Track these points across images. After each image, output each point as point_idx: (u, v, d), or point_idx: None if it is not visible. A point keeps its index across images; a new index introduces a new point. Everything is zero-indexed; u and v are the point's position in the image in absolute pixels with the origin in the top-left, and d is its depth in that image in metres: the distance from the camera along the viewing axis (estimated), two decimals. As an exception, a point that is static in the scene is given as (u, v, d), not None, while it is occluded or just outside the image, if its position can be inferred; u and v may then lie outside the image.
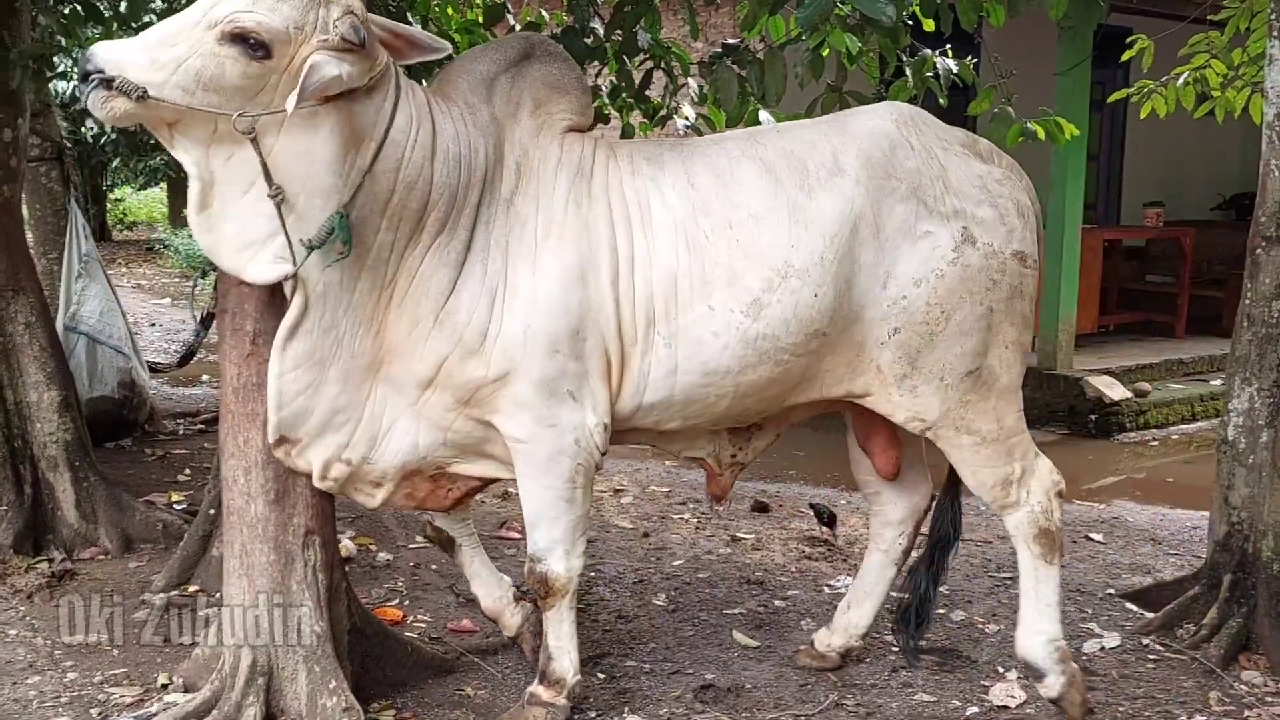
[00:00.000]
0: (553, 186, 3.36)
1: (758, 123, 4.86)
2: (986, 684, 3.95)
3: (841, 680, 3.97)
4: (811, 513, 5.57)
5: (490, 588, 3.98)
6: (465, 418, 3.37)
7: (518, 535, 5.45)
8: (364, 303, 3.24)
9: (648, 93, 5.52)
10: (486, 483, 3.69)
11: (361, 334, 3.27)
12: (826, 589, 4.89)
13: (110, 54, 2.89)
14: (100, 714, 3.55)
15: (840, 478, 6.97)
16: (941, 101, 4.90)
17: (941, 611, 4.61)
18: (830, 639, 4.08)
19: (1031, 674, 3.68)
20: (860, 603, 4.07)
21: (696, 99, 5.75)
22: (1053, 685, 3.62)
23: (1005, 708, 3.79)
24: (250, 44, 2.91)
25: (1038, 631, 3.64)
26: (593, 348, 3.34)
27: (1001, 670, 4.06)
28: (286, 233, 3.01)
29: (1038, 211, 3.69)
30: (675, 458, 3.96)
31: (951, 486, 3.90)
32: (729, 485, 3.88)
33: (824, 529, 5.50)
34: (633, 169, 3.46)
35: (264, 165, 2.97)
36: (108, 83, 2.86)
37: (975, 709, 3.78)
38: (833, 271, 3.37)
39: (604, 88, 5.64)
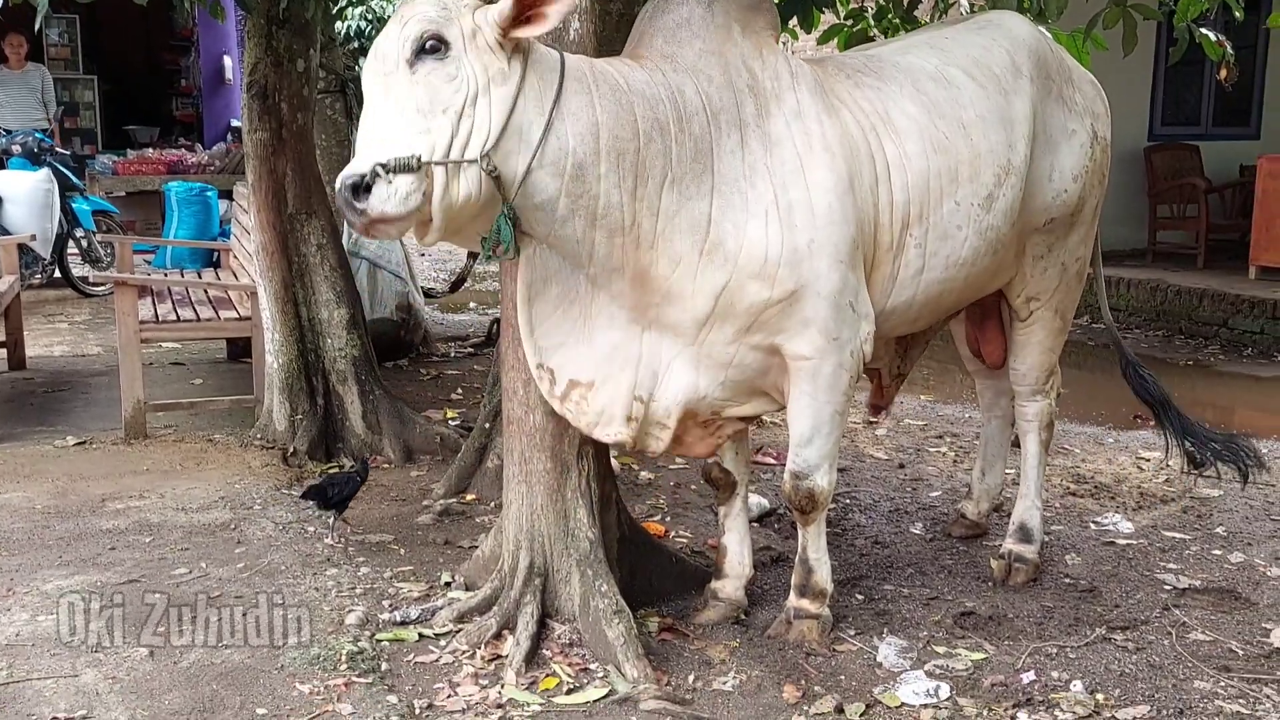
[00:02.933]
0: (797, 102, 3.33)
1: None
2: (1267, 626, 3.76)
3: (1112, 614, 3.86)
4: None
5: (739, 550, 3.84)
6: (748, 347, 3.33)
7: (772, 461, 5.51)
8: (606, 251, 3.19)
9: (916, 13, 5.38)
10: (747, 424, 3.68)
11: (614, 278, 3.24)
12: (1092, 525, 4.74)
13: None
14: (390, 605, 3.82)
15: (1105, 415, 6.72)
16: (1238, 15, 4.58)
17: (1218, 553, 4.41)
18: (979, 506, 4.61)
19: (1024, 537, 4.20)
20: (992, 466, 4.59)
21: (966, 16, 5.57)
22: (1034, 550, 4.18)
23: (1289, 652, 3.61)
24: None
25: (1036, 506, 4.24)
26: (861, 257, 3.38)
27: (1286, 615, 3.86)
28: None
29: None
30: None
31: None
32: (894, 396, 4.40)
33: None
34: (853, 81, 3.54)
35: None
36: None
37: (1254, 651, 3.61)
38: (1028, 166, 3.71)
39: (870, 9, 5.54)
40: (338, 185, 2.90)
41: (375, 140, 2.90)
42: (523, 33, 2.97)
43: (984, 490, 4.59)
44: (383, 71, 2.96)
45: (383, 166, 2.84)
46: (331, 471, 5.03)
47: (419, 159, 2.87)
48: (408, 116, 2.91)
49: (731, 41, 3.33)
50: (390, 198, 2.85)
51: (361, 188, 2.84)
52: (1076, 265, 4.04)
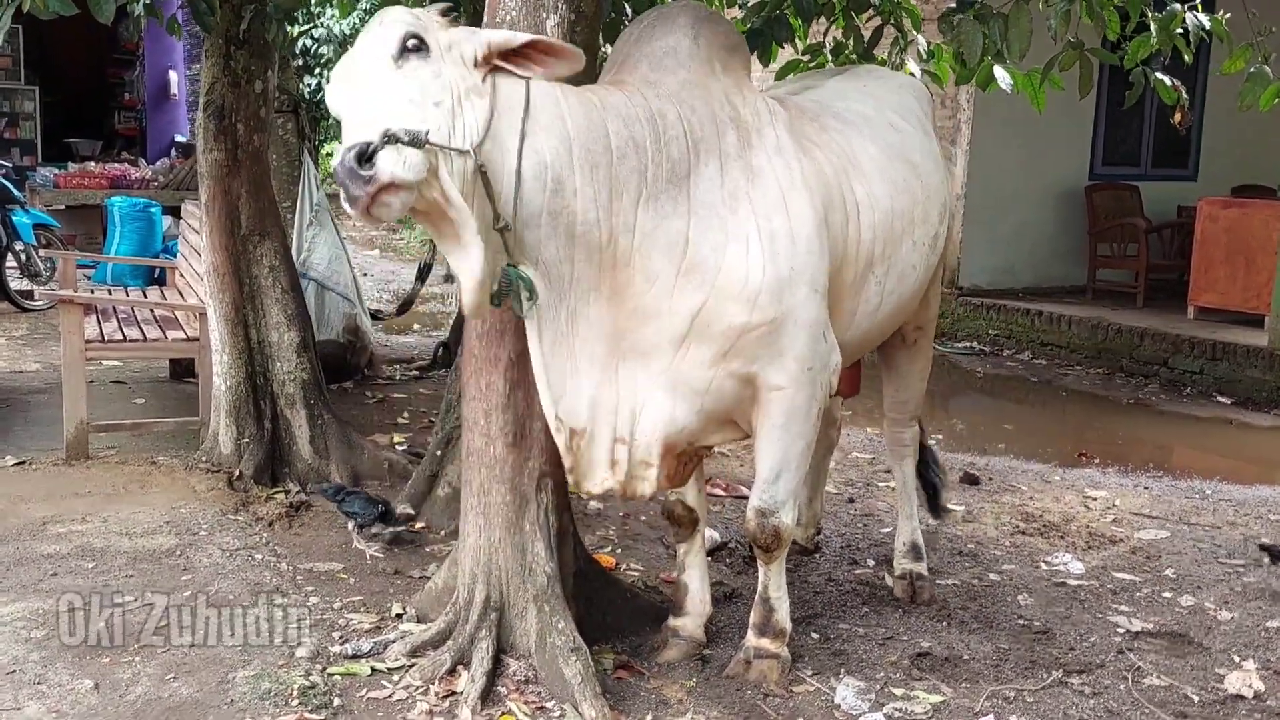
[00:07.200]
0: (776, 138, 3.40)
1: (993, 79, 4.72)
2: (1221, 672, 3.79)
3: (1067, 657, 3.87)
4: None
5: (700, 588, 3.81)
6: (725, 374, 3.29)
7: (722, 492, 5.49)
8: (584, 271, 3.18)
9: (875, 50, 5.43)
10: (709, 453, 3.68)
11: (592, 300, 3.22)
12: (1043, 565, 4.76)
13: None
14: (341, 638, 3.74)
15: (1051, 452, 6.79)
16: (1186, 59, 4.66)
17: (1169, 596, 4.45)
18: (807, 531, 4.72)
19: (917, 555, 4.37)
20: (816, 492, 4.77)
21: (924, 56, 5.63)
22: (925, 565, 4.38)
23: (1241, 697, 3.63)
24: None
25: (917, 525, 4.44)
26: (827, 291, 3.42)
27: (1237, 659, 3.89)
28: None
29: None
30: None
31: None
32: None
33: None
34: (818, 123, 3.65)
35: None
36: None
37: (1210, 697, 3.63)
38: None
39: (828, 44, 5.58)
40: (337, 159, 2.78)
41: (372, 119, 2.79)
42: (512, 66, 3.04)
43: (811, 516, 4.74)
44: (365, 68, 2.91)
45: (390, 135, 2.74)
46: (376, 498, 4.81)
47: (426, 134, 2.80)
48: (402, 103, 2.85)
49: (714, 76, 3.40)
50: (401, 164, 2.74)
51: (366, 155, 2.73)
52: (935, 291, 4.37)
